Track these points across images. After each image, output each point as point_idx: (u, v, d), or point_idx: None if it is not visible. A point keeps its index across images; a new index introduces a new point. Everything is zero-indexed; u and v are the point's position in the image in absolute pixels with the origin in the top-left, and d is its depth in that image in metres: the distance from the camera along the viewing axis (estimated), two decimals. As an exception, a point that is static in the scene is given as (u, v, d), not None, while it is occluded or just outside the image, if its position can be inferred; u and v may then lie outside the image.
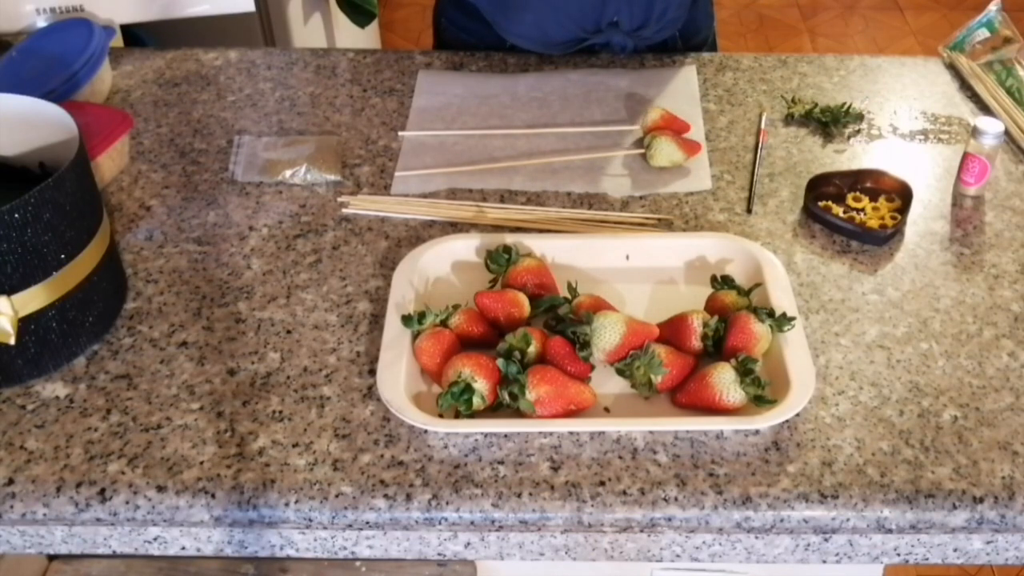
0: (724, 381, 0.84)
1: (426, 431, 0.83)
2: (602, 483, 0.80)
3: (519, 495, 0.79)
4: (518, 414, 0.84)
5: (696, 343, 0.89)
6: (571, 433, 0.83)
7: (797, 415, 0.84)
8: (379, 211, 1.07)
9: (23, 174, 0.96)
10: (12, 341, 0.84)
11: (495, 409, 0.85)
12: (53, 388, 0.88)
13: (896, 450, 0.82)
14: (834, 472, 0.81)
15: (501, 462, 0.81)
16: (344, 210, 1.07)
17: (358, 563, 1.06)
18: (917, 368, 0.90)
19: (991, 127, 1.06)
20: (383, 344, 0.89)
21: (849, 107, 1.22)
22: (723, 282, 0.94)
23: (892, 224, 1.05)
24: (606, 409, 0.87)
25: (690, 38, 1.38)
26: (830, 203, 1.08)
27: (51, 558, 1.10)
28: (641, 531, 0.81)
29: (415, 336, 0.89)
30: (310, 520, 0.79)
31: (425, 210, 1.07)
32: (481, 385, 0.83)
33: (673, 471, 0.81)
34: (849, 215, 1.07)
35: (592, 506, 0.79)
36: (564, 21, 1.29)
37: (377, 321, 0.94)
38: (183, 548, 0.84)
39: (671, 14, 1.31)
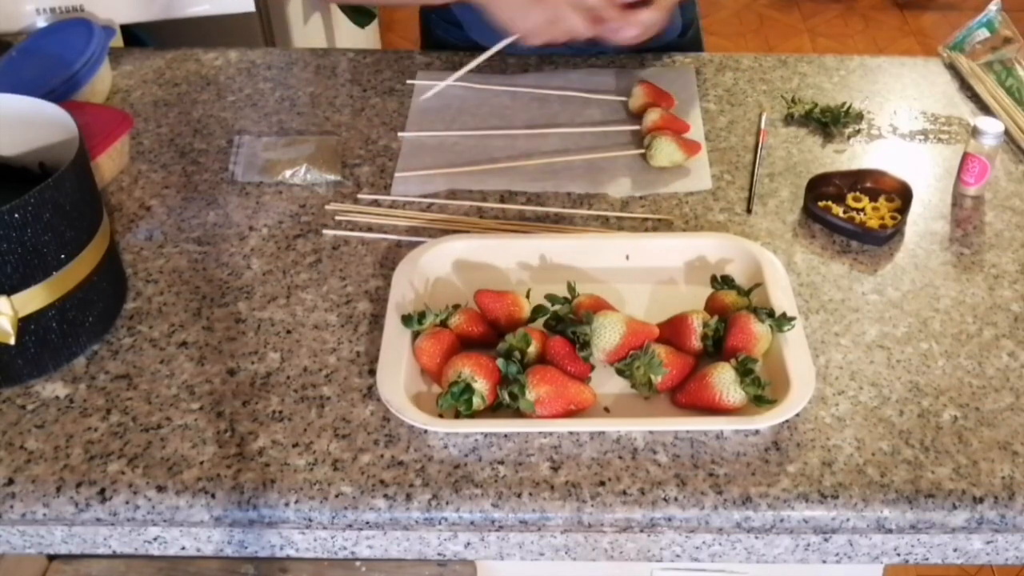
0: (724, 381, 0.84)
1: (426, 431, 0.83)
2: (602, 483, 0.80)
3: (519, 495, 0.79)
4: (518, 414, 0.84)
5: (696, 343, 0.89)
6: (571, 433, 0.83)
7: (797, 415, 0.84)
8: (369, 221, 1.06)
9: (23, 174, 0.96)
10: (12, 341, 0.84)
11: (495, 409, 0.85)
12: (53, 388, 0.88)
13: (896, 450, 0.82)
14: (834, 472, 0.81)
15: (501, 462, 0.81)
16: (337, 217, 1.07)
17: (358, 563, 1.06)
18: (917, 368, 0.90)
19: (991, 127, 1.06)
20: (383, 344, 0.89)
21: (849, 107, 1.22)
22: (723, 282, 0.94)
23: (892, 224, 1.05)
24: (606, 409, 0.87)
25: (686, 25, 1.39)
26: (830, 203, 1.08)
27: (51, 558, 1.10)
28: (641, 531, 0.81)
29: (415, 336, 0.89)
30: (310, 520, 0.79)
31: (417, 220, 1.07)
32: (481, 385, 0.83)
33: (673, 471, 0.81)
34: (849, 215, 1.07)
35: (592, 506, 0.79)
36: None
37: (377, 321, 0.94)
38: (183, 548, 0.84)
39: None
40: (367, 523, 0.79)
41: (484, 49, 1.32)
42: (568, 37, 1.12)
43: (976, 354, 0.91)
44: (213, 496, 0.79)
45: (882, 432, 0.84)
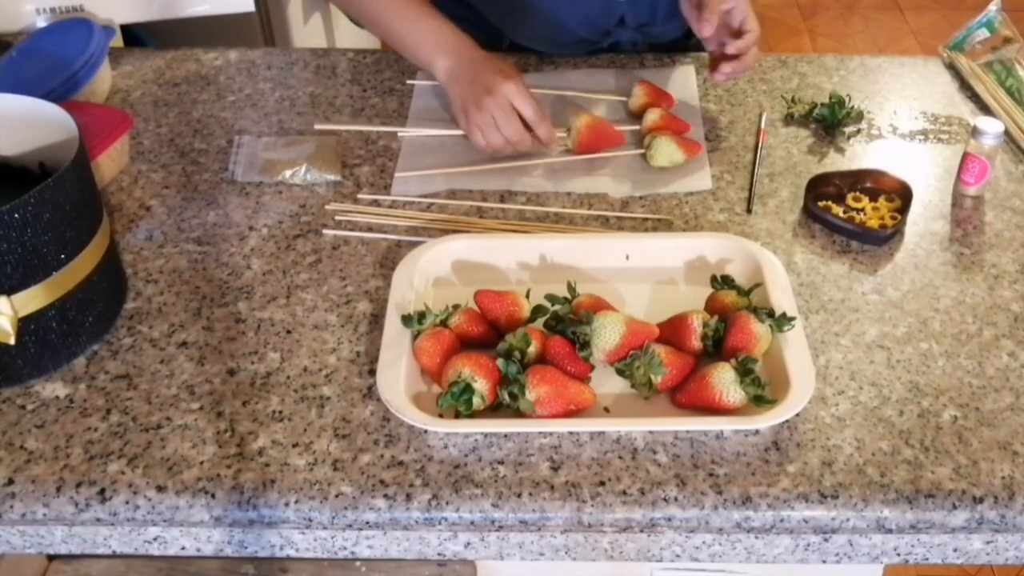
0: (724, 381, 0.84)
1: (426, 431, 0.83)
2: (602, 483, 0.80)
3: (519, 495, 0.79)
4: (518, 414, 0.84)
5: (696, 343, 0.89)
6: (571, 433, 0.83)
7: (797, 415, 0.84)
8: (369, 221, 1.06)
9: (23, 174, 0.96)
10: (12, 341, 0.84)
11: (495, 409, 0.85)
12: (53, 388, 0.88)
13: (896, 450, 0.82)
14: (834, 472, 0.81)
15: (501, 462, 0.81)
16: (337, 217, 1.07)
17: (358, 563, 1.06)
18: (917, 368, 0.90)
19: (991, 127, 1.06)
20: (383, 344, 0.89)
21: (851, 107, 1.22)
22: (723, 282, 0.94)
23: (892, 224, 1.05)
24: (606, 409, 0.87)
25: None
26: (830, 203, 1.08)
27: (51, 558, 1.10)
28: (641, 531, 0.81)
29: (415, 336, 0.89)
30: (310, 520, 0.79)
31: (417, 220, 1.07)
32: (481, 385, 0.83)
33: (673, 471, 0.81)
34: (849, 215, 1.07)
35: (592, 506, 0.79)
36: (571, 24, 1.29)
37: (377, 321, 0.94)
38: (183, 548, 0.84)
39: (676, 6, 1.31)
40: (367, 523, 0.79)
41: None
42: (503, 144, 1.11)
43: (976, 354, 0.91)
44: (213, 496, 0.79)
45: (882, 432, 0.84)
